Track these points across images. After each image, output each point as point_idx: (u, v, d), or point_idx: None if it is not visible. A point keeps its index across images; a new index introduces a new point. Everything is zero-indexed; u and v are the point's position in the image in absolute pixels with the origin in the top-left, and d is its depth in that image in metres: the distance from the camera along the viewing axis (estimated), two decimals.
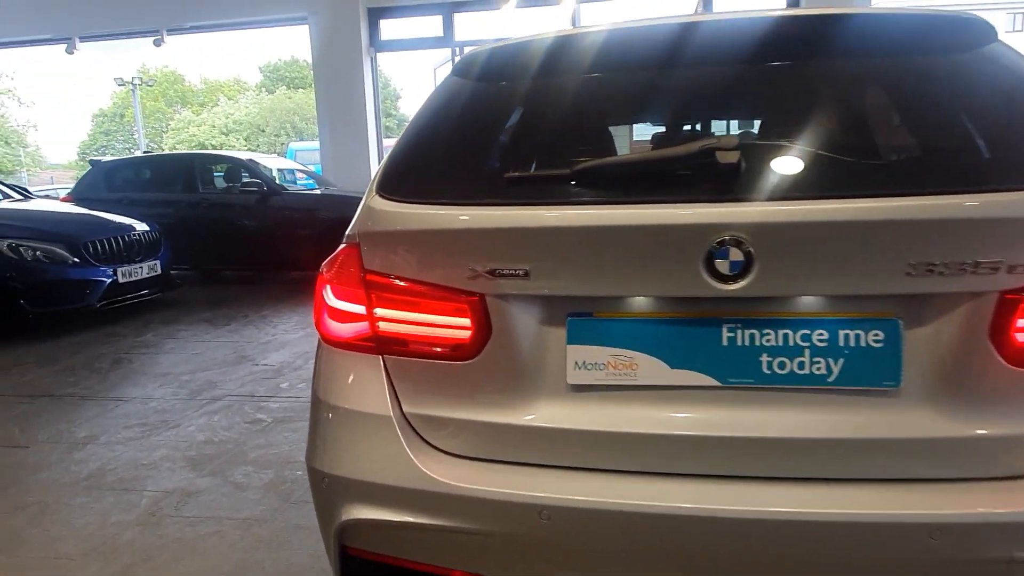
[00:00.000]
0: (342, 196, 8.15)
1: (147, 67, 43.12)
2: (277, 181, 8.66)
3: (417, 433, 1.43)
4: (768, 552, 1.23)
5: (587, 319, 1.34)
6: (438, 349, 1.40)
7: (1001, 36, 1.46)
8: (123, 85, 30.83)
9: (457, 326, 1.38)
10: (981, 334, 1.21)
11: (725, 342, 1.29)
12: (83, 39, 11.44)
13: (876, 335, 1.25)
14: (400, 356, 1.44)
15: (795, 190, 1.26)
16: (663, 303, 1.32)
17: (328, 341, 1.54)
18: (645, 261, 1.27)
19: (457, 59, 1.74)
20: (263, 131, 41.61)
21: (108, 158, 10.36)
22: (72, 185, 9.47)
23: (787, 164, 1.32)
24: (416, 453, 1.40)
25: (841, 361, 1.26)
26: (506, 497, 1.31)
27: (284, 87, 44.41)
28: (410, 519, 1.38)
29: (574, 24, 9.72)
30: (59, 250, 6.06)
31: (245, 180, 8.34)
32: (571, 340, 1.34)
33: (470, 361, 1.38)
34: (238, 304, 7.15)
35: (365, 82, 10.21)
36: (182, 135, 42.01)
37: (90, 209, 7.26)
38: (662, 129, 1.91)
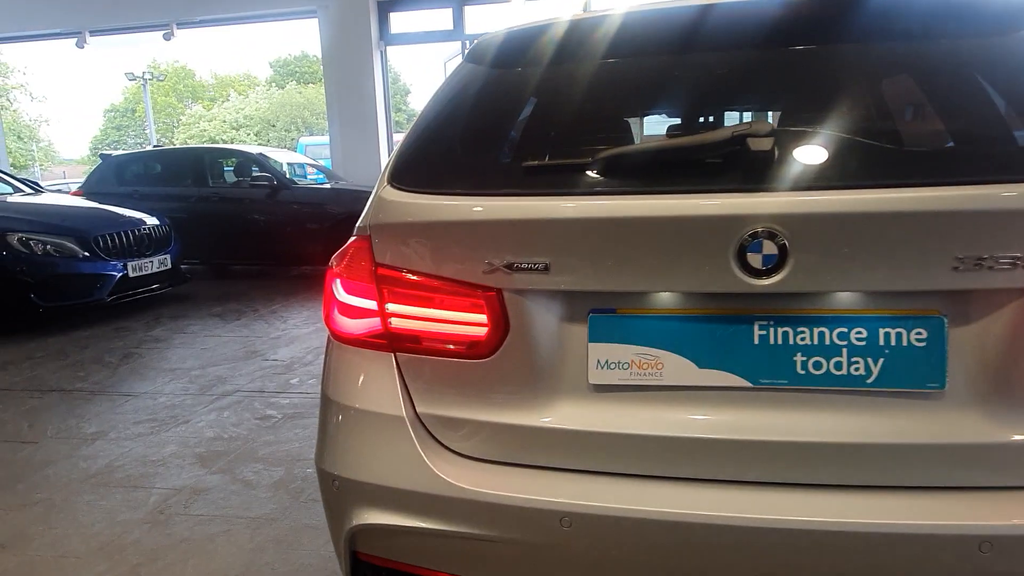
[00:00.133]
0: (352, 190, 8.12)
1: (157, 62, 43.21)
2: (287, 175, 8.63)
3: (431, 434, 1.37)
4: (806, 565, 1.16)
5: (610, 316, 1.28)
6: (453, 347, 1.34)
7: None
8: (134, 80, 30.87)
9: (473, 322, 1.32)
10: None
11: (757, 340, 1.22)
12: (93, 33, 11.43)
13: (919, 334, 1.18)
14: (413, 354, 1.38)
15: (833, 179, 1.19)
16: (691, 299, 1.25)
17: (338, 338, 1.47)
18: (672, 255, 1.20)
19: (471, 46, 1.68)
20: (273, 126, 41.67)
21: (118, 152, 10.35)
22: (83, 179, 9.46)
23: (824, 151, 1.24)
24: (430, 455, 1.34)
25: (881, 361, 1.18)
26: (525, 503, 1.25)
27: (294, 82, 44.43)
28: (424, 525, 1.32)
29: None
30: (69, 244, 6.04)
31: (255, 174, 8.30)
32: (593, 338, 1.28)
33: (486, 359, 1.32)
34: (248, 299, 7.13)
35: (375, 76, 10.15)
36: (193, 130, 42.13)
37: (100, 203, 7.25)
38: (689, 116, 1.83)
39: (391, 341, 1.39)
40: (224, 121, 42.32)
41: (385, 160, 9.60)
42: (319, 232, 7.60)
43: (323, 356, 1.59)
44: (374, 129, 10.17)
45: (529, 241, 1.25)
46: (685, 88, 1.58)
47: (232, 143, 33.35)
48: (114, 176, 8.90)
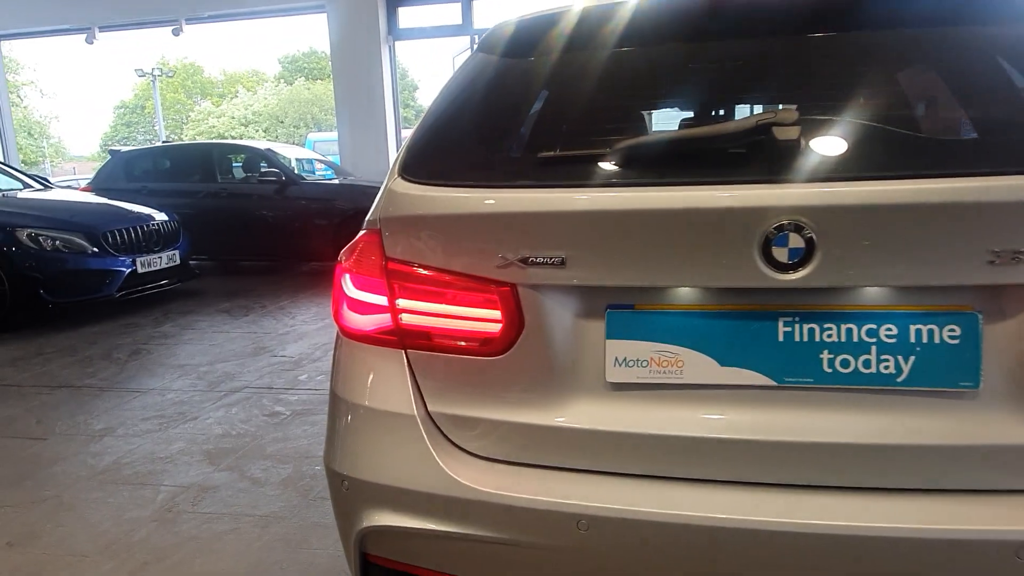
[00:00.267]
0: (360, 186, 8.08)
1: (166, 59, 43.37)
2: (296, 171, 8.61)
3: (443, 434, 1.33)
4: (832, 572, 1.12)
5: (628, 312, 1.23)
6: (465, 343, 1.30)
7: None
8: (143, 76, 30.89)
9: (486, 319, 1.27)
10: None
11: (781, 337, 1.18)
12: (102, 29, 11.45)
13: (952, 330, 1.13)
14: (424, 351, 1.33)
15: (862, 169, 1.14)
16: (713, 295, 1.21)
17: (347, 334, 1.44)
18: (693, 248, 1.15)
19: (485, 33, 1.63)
20: (282, 122, 41.71)
21: (128, 148, 10.37)
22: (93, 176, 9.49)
23: (853, 140, 1.19)
24: (442, 456, 1.30)
25: (912, 359, 1.14)
26: (540, 505, 1.21)
27: (303, 78, 44.47)
28: (435, 527, 1.28)
29: None
30: (78, 240, 6.04)
31: (264, 170, 8.29)
32: (610, 335, 1.23)
33: (500, 356, 1.27)
34: (256, 295, 7.11)
35: (383, 71, 10.11)
36: (202, 126, 42.24)
37: (110, 199, 7.25)
38: (709, 105, 1.78)
39: (402, 338, 1.35)
40: (233, 117, 42.40)
41: (393, 156, 9.57)
42: (327, 228, 7.58)
43: (332, 352, 1.55)
44: (382, 125, 10.14)
45: (545, 235, 1.21)
46: (705, 76, 1.53)
47: (241, 139, 33.45)
48: (123, 172, 8.91)
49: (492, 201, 1.25)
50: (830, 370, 1.16)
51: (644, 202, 1.17)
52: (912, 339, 1.14)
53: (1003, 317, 1.12)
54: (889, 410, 1.15)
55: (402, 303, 1.34)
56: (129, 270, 6.21)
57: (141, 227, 6.48)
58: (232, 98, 45.25)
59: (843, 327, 1.15)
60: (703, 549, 1.16)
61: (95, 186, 8.74)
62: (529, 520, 1.22)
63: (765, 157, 1.18)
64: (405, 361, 1.36)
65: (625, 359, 1.23)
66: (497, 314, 1.26)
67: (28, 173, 8.02)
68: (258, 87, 45.80)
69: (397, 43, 10.46)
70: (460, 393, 1.32)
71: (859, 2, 1.35)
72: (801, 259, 1.10)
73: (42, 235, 5.91)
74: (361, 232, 1.41)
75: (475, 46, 1.58)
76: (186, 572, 2.30)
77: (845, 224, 1.09)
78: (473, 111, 1.47)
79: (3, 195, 6.87)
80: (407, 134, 2.15)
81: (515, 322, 1.26)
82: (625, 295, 1.24)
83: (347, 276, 1.41)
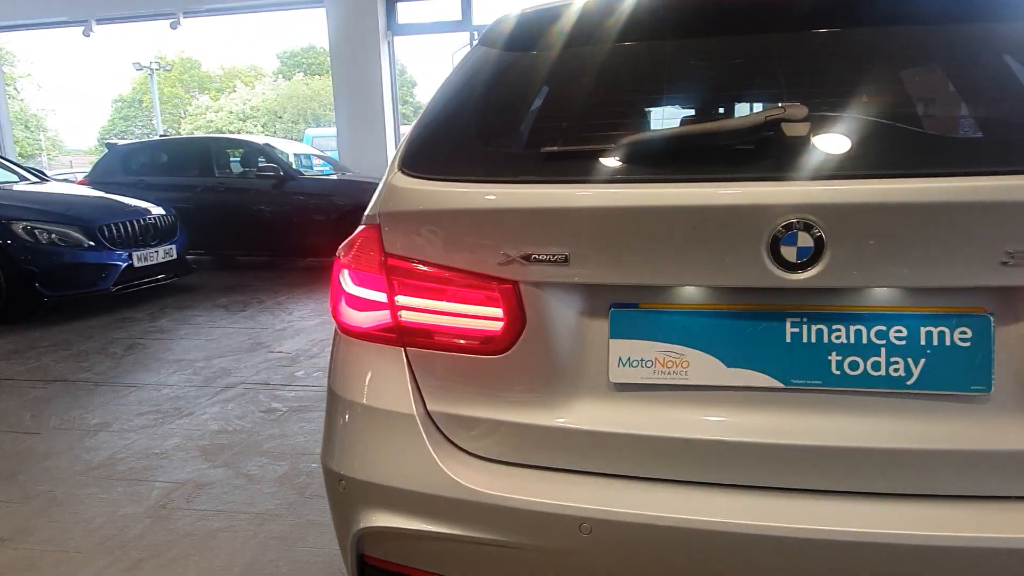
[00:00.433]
0: (358, 181, 8.06)
1: (164, 53, 43.21)
2: (294, 166, 8.57)
3: (443, 434, 1.30)
4: None
5: (632, 311, 1.21)
6: (466, 342, 1.27)
7: None
8: (141, 69, 30.83)
9: (487, 316, 1.25)
10: None
11: (789, 339, 1.15)
12: (100, 21, 11.39)
13: (963, 333, 1.10)
14: (424, 349, 1.31)
15: (874, 167, 1.11)
16: (719, 294, 1.18)
17: (345, 331, 1.41)
18: (699, 246, 1.13)
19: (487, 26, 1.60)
20: (280, 117, 41.62)
21: (125, 142, 10.32)
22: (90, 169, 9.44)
23: (864, 138, 1.17)
24: (442, 456, 1.27)
25: (922, 362, 1.11)
26: (542, 507, 1.19)
27: (301, 73, 44.36)
28: (434, 528, 1.26)
29: None
30: (74, 233, 6.00)
31: (261, 165, 8.25)
32: (614, 334, 1.21)
33: (502, 355, 1.25)
34: (253, 290, 7.08)
35: (382, 66, 10.07)
36: (199, 121, 42.13)
37: (106, 192, 7.20)
38: (715, 101, 1.75)
39: (401, 335, 1.33)
40: (231, 112, 42.30)
41: (392, 151, 9.55)
42: (325, 223, 7.56)
43: (329, 349, 1.53)
44: (381, 120, 10.10)
45: (548, 231, 1.18)
46: (710, 72, 1.50)
47: (239, 134, 33.36)
48: (120, 166, 8.86)
49: (494, 196, 1.23)
50: (839, 372, 1.14)
51: (650, 199, 1.15)
52: (923, 341, 1.11)
53: (1016, 319, 1.10)
54: (899, 414, 1.13)
55: (401, 300, 1.31)
56: (125, 264, 6.18)
57: (138, 221, 6.44)
58: (230, 93, 45.13)
59: (852, 328, 1.13)
60: (708, 554, 1.13)
61: (92, 180, 8.69)
62: (530, 522, 1.20)
63: (774, 154, 1.15)
64: (404, 359, 1.33)
65: (629, 359, 1.21)
66: (499, 312, 1.24)
67: (24, 166, 7.96)
68: (256, 82, 45.68)
69: (396, 39, 10.41)
70: (460, 392, 1.29)
71: None
72: (810, 258, 1.08)
73: (38, 228, 5.87)
74: (360, 227, 1.39)
75: (475, 41, 1.55)
76: (180, 569, 2.27)
77: (855, 223, 1.07)
78: (475, 105, 1.44)
79: None
80: (405, 130, 2.11)
81: (517, 320, 1.23)
82: (629, 294, 1.21)
83: (345, 272, 1.38)
